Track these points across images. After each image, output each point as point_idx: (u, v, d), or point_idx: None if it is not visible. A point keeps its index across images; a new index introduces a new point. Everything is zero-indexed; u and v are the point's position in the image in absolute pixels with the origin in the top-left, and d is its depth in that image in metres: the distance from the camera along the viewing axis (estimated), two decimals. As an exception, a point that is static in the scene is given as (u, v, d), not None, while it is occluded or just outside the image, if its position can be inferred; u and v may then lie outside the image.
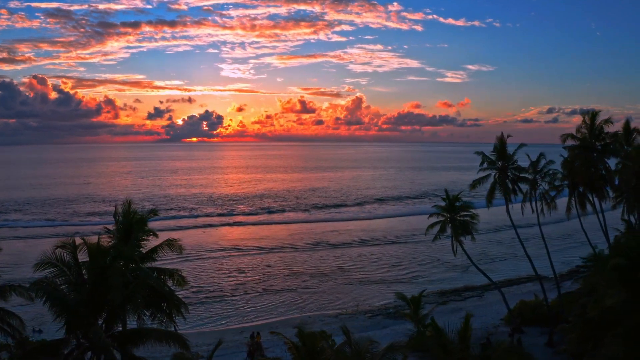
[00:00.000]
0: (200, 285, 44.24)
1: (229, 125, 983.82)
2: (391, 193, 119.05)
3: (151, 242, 22.40)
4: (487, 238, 63.12)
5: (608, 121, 31.47)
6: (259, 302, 40.01)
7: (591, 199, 33.60)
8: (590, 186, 32.16)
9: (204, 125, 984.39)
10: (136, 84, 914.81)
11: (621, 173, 33.11)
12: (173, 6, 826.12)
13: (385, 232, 68.57)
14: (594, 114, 31.29)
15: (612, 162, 34.21)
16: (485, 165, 30.05)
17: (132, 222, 21.45)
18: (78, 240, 18.76)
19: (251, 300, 40.38)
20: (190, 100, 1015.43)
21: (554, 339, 26.49)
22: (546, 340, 27.45)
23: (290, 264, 51.32)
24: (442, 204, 30.07)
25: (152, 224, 76.88)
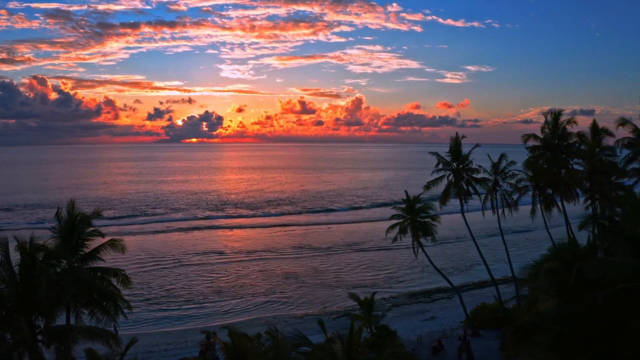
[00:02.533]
0: (174, 286, 44.22)
1: (228, 126, 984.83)
2: (383, 194, 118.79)
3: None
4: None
5: (571, 121, 31.18)
6: (231, 303, 39.94)
7: (560, 203, 33.29)
8: (555, 187, 31.89)
9: (204, 126, 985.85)
10: (136, 84, 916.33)
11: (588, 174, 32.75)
12: (172, 7, 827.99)
13: (370, 234, 68.20)
14: (556, 114, 30.99)
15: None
16: (440, 166, 29.77)
17: (74, 223, 21.37)
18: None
19: (224, 301, 40.31)
20: (190, 101, 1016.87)
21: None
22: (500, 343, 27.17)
23: (267, 266, 51.18)
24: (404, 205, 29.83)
25: (139, 227, 76.42)
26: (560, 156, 30.39)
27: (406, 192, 29.70)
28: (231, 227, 75.46)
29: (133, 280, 45.54)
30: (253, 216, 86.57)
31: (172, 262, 52.83)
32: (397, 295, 40.88)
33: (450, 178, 29.71)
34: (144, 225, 76.66)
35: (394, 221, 29.99)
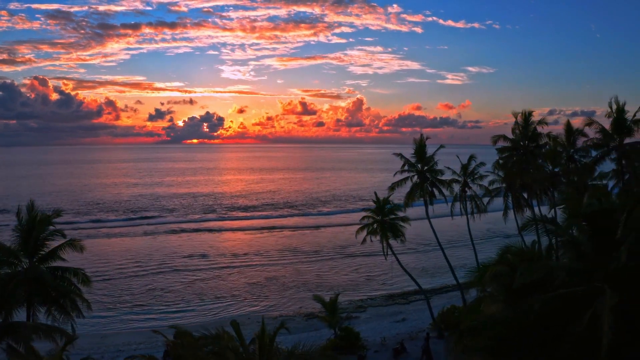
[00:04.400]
0: (155, 287, 44.46)
1: (229, 127, 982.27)
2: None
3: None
4: (464, 246, 62.43)
5: (542, 122, 31.15)
6: (211, 304, 40.13)
7: (537, 204, 33.26)
8: (528, 189, 31.87)
9: (205, 127, 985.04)
10: (136, 85, 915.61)
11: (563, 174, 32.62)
12: (173, 8, 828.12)
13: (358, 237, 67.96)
14: (527, 114, 30.93)
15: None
16: (406, 167, 29.79)
17: (34, 222, 21.56)
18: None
19: (204, 302, 40.51)
20: (191, 101, 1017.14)
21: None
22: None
23: (252, 268, 51.22)
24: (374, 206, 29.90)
25: (129, 229, 76.53)
26: (529, 157, 30.36)
27: (375, 193, 29.76)
28: (220, 230, 75.32)
29: (116, 281, 46.42)
30: (244, 218, 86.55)
31: (157, 263, 52.93)
32: (375, 297, 40.94)
33: (414, 180, 29.74)
34: (135, 228, 76.44)
35: (364, 222, 30.03)
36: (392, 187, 29.86)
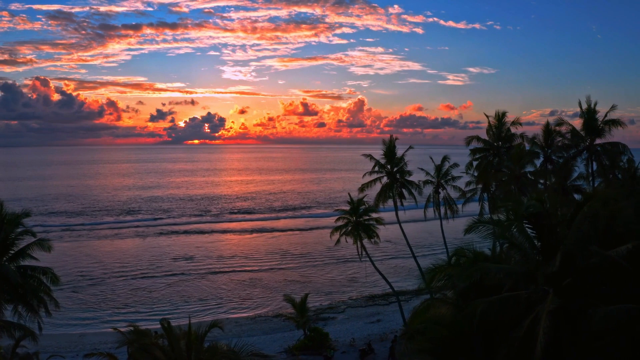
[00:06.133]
0: (140, 288, 44.86)
1: (230, 128, 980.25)
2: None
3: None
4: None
5: (516, 122, 31.24)
6: (193, 305, 40.38)
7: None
8: (504, 190, 31.96)
9: (206, 128, 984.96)
10: (138, 86, 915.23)
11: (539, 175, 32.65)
12: (174, 8, 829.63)
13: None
14: (500, 115, 31.00)
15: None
16: (376, 168, 29.95)
17: (2, 222, 21.92)
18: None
19: (187, 304, 40.79)
20: (192, 102, 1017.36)
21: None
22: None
23: (239, 270, 51.44)
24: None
25: (120, 231, 76.62)
26: (501, 158, 30.48)
27: (349, 194, 29.97)
28: (212, 232, 75.33)
29: (103, 282, 46.69)
30: (237, 220, 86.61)
31: (144, 265, 53.17)
32: (356, 298, 41.10)
33: (384, 180, 29.91)
34: (127, 230, 76.58)
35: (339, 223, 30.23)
36: (362, 189, 30.06)
